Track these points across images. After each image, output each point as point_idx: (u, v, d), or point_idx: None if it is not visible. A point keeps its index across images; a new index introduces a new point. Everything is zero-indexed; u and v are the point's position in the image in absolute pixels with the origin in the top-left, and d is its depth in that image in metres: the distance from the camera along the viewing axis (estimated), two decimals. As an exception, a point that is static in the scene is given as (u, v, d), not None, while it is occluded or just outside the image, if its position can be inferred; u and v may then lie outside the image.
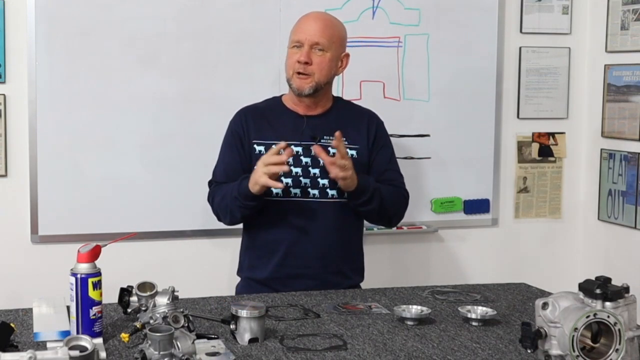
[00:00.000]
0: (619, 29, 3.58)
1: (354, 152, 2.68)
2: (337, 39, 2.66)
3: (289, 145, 2.50)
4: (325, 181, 2.63)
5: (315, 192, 2.64)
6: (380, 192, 2.62)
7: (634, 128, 3.51)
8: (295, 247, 2.65)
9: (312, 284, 2.59)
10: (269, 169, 2.44)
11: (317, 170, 2.64)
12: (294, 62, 2.63)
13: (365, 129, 2.73)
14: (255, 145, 2.67)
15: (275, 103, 2.77)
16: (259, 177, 2.46)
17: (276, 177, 2.47)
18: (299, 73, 2.62)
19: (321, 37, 2.62)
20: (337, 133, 2.49)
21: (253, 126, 2.70)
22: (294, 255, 2.65)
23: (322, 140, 2.66)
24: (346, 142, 2.67)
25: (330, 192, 2.64)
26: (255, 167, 2.54)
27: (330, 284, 2.60)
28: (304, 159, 2.65)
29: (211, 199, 2.74)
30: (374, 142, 2.73)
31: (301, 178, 2.63)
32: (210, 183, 2.79)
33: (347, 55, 2.71)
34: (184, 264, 3.36)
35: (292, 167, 2.61)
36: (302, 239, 2.65)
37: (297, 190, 2.63)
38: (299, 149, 2.65)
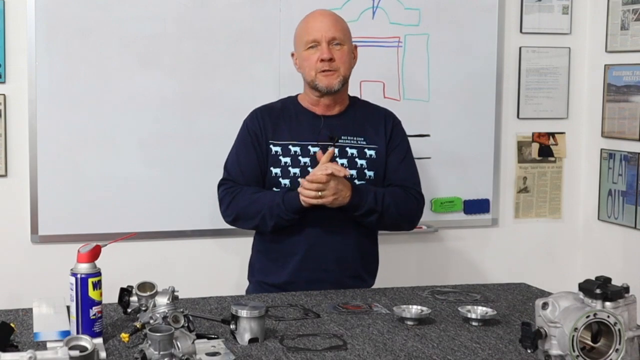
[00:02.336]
0: (619, 29, 3.58)
1: (372, 152, 2.65)
2: (347, 31, 2.65)
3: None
4: None
5: None
6: (382, 202, 2.56)
7: (634, 128, 3.51)
8: (314, 250, 2.60)
9: (330, 288, 2.53)
10: (314, 187, 2.44)
11: None
12: (314, 62, 2.58)
13: (383, 129, 2.69)
14: (271, 146, 2.63)
15: (291, 103, 2.73)
16: (303, 186, 2.46)
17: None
18: (323, 71, 2.58)
19: (336, 31, 2.60)
20: (331, 149, 2.50)
21: (270, 126, 2.65)
22: (312, 258, 2.60)
23: (340, 140, 2.63)
24: (364, 142, 2.65)
25: None
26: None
27: (347, 288, 2.55)
28: None
29: (229, 198, 2.62)
30: (390, 141, 2.69)
31: None
32: (222, 182, 2.70)
33: (356, 47, 2.71)
34: (184, 264, 3.36)
35: (309, 168, 2.57)
36: (320, 241, 2.60)
37: None
38: (317, 149, 2.60)
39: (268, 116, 2.68)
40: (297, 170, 2.61)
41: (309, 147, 2.62)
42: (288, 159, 2.62)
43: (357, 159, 2.64)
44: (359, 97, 2.88)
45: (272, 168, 2.62)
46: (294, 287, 2.55)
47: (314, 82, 2.60)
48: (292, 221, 2.55)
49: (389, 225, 2.70)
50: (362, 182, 2.62)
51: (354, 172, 2.62)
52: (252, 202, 2.59)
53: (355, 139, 2.65)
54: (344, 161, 2.62)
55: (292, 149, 2.62)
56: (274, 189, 2.61)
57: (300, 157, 2.61)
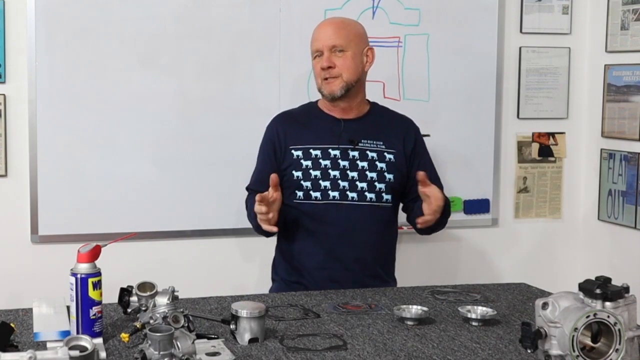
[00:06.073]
0: (619, 29, 3.58)
1: (391, 156, 2.71)
2: (353, 36, 2.68)
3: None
4: (364, 184, 2.66)
5: (354, 195, 2.66)
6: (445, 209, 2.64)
7: (634, 128, 3.51)
8: (335, 250, 2.66)
9: (352, 287, 2.56)
10: (259, 218, 2.47)
11: (355, 174, 2.67)
12: (318, 70, 2.68)
13: (402, 135, 2.75)
14: (292, 151, 2.69)
15: (310, 108, 2.80)
16: (259, 222, 2.50)
17: (274, 221, 2.47)
18: (326, 79, 2.65)
19: (337, 38, 2.65)
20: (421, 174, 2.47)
21: (289, 131, 2.72)
22: (334, 259, 2.66)
23: (360, 144, 2.69)
24: (383, 146, 2.71)
25: (369, 195, 2.67)
26: None
27: (368, 287, 2.58)
28: (342, 163, 2.67)
29: (245, 207, 2.77)
30: (414, 149, 2.77)
31: (339, 181, 2.66)
32: (246, 189, 2.81)
33: (372, 50, 2.74)
34: (184, 264, 3.36)
35: (330, 171, 2.65)
36: (341, 242, 2.65)
37: (336, 194, 2.65)
38: (337, 152, 2.68)
39: (287, 122, 2.77)
40: (317, 173, 2.67)
41: (330, 150, 2.68)
42: (309, 162, 2.68)
43: (377, 162, 2.69)
44: (378, 102, 2.91)
45: (294, 171, 2.68)
46: (317, 286, 2.60)
47: (320, 89, 2.70)
48: (274, 234, 2.65)
49: (442, 227, 2.77)
50: (382, 184, 2.68)
51: (374, 174, 2.67)
52: (248, 213, 2.71)
53: (374, 142, 2.72)
54: (365, 164, 2.68)
55: (313, 152, 2.68)
56: (296, 191, 2.67)
57: (320, 160, 2.67)
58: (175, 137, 3.30)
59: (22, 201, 3.18)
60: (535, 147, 3.77)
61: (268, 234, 2.68)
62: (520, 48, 3.70)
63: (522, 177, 3.77)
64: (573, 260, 3.85)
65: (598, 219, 3.74)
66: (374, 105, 2.82)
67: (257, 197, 2.44)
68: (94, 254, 1.93)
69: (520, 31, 3.70)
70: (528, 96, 3.73)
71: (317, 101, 2.81)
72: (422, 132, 3.50)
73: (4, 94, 3.15)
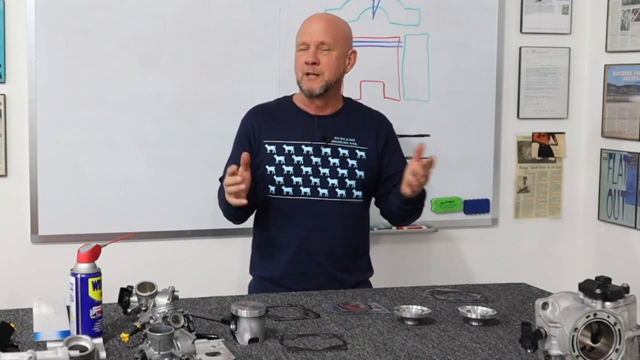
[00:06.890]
0: (619, 29, 3.58)
1: (363, 153, 2.72)
2: (341, 37, 2.69)
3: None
4: (335, 181, 2.68)
5: (325, 191, 2.68)
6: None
7: (634, 128, 3.51)
8: (305, 245, 2.68)
9: (322, 282, 2.62)
10: (228, 190, 2.45)
11: (326, 170, 2.68)
12: (301, 64, 2.67)
13: (374, 132, 2.76)
14: (266, 145, 2.70)
15: (286, 103, 2.80)
16: (227, 198, 2.49)
17: (244, 193, 2.45)
18: (307, 74, 2.65)
19: (326, 36, 2.65)
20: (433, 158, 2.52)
21: (264, 126, 2.73)
22: (304, 253, 2.68)
23: (332, 141, 2.70)
24: (355, 143, 2.72)
25: (339, 191, 2.69)
26: None
27: (337, 281, 2.65)
28: (314, 159, 2.68)
29: (218, 196, 2.75)
30: (386, 145, 2.77)
31: (311, 177, 2.67)
32: (220, 179, 2.77)
33: (355, 53, 2.74)
34: (184, 264, 3.36)
35: (302, 167, 2.66)
36: (311, 237, 2.68)
37: (307, 190, 2.67)
38: (310, 148, 2.68)
39: (262, 116, 2.76)
40: (290, 169, 2.68)
41: (303, 147, 2.69)
42: (282, 158, 2.68)
43: (348, 159, 2.71)
44: (352, 98, 2.91)
45: (267, 166, 2.68)
46: (287, 281, 2.65)
47: (299, 83, 2.70)
48: (244, 214, 2.66)
49: (414, 218, 2.81)
50: (353, 181, 2.70)
51: (345, 171, 2.69)
52: (220, 201, 2.69)
53: (347, 139, 2.73)
54: (336, 161, 2.69)
55: (287, 148, 2.69)
56: (269, 186, 2.68)
57: (293, 156, 2.68)
58: (175, 137, 3.30)
59: (22, 201, 3.19)
60: (535, 147, 3.77)
61: (237, 219, 2.70)
62: (520, 48, 3.70)
63: (522, 177, 3.77)
64: (573, 260, 3.85)
65: (598, 219, 3.74)
66: (348, 102, 2.82)
67: (229, 169, 2.42)
68: (94, 254, 1.93)
69: (520, 31, 3.70)
70: (528, 96, 3.74)
71: (292, 95, 2.80)
72: (422, 132, 3.52)
73: (4, 94, 3.15)
